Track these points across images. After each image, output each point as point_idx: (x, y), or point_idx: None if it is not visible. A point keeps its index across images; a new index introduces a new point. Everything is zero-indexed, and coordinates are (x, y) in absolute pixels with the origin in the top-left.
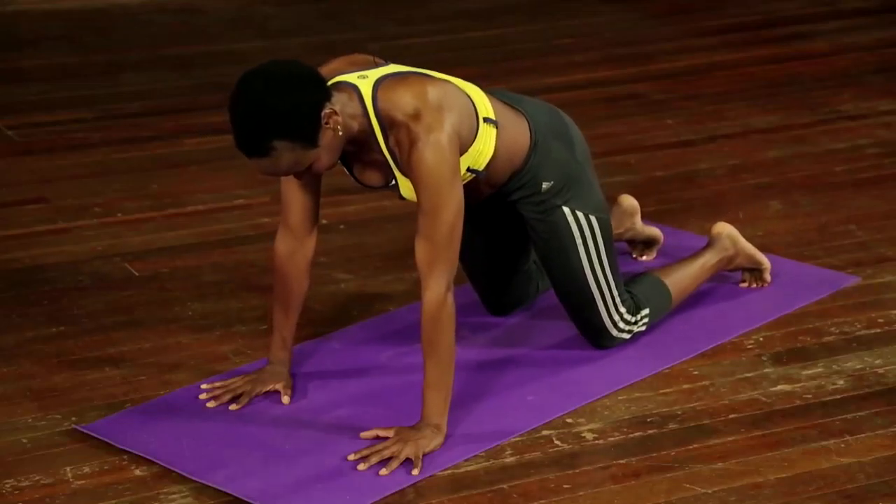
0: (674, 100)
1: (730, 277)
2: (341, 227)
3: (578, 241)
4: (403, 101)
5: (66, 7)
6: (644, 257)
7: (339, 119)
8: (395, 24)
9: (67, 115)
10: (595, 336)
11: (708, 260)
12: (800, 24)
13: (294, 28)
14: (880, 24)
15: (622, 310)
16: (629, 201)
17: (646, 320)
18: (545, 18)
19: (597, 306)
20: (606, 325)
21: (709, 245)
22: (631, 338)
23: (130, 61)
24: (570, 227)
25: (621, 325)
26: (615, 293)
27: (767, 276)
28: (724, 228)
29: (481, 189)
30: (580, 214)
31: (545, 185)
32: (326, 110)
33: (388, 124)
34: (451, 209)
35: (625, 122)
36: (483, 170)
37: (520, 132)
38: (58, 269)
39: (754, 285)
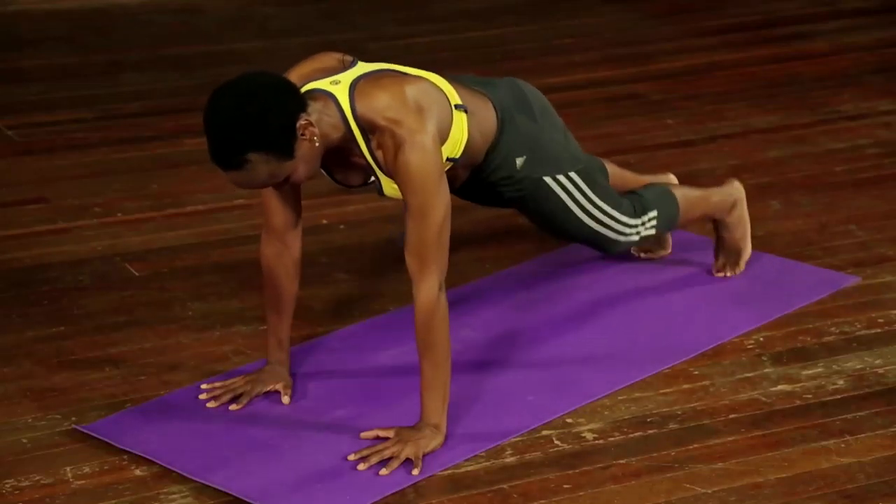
0: (674, 100)
1: (728, 276)
2: (341, 227)
3: (568, 201)
4: (383, 105)
5: (66, 7)
6: (643, 254)
7: (316, 130)
8: (395, 24)
9: (67, 115)
10: (604, 249)
11: (712, 194)
12: (800, 24)
13: (294, 28)
14: (880, 24)
15: (624, 219)
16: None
17: (654, 222)
18: (545, 18)
19: (601, 234)
20: (612, 238)
21: (717, 186)
22: (639, 238)
23: (130, 61)
24: (556, 194)
25: (627, 230)
26: (616, 215)
27: (743, 265)
28: (738, 186)
29: (459, 173)
30: (561, 178)
31: (519, 161)
32: (302, 121)
33: (369, 129)
34: (439, 210)
35: (625, 122)
36: (460, 157)
37: (487, 114)
38: (58, 269)
39: (728, 273)
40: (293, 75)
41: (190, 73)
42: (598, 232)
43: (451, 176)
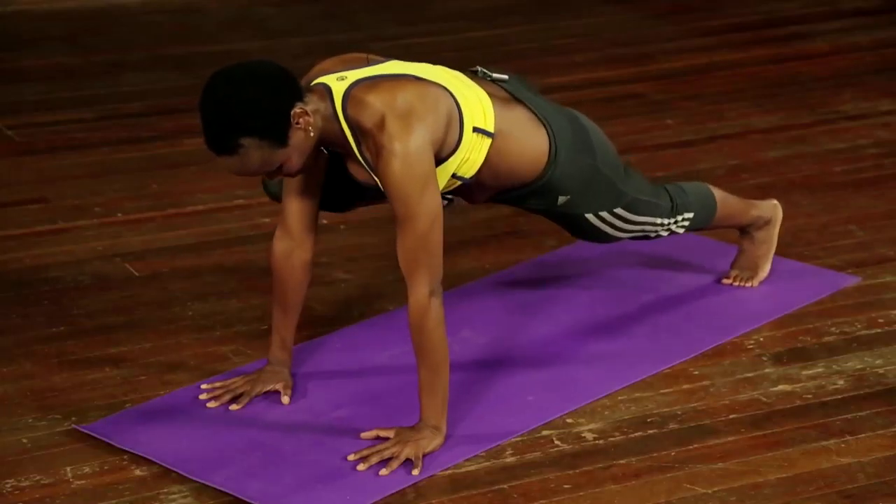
0: (674, 100)
1: (723, 276)
2: (341, 227)
3: (604, 227)
4: (371, 109)
5: (66, 7)
6: (733, 283)
7: (311, 119)
8: (395, 24)
9: (67, 115)
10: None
11: (752, 207)
12: (800, 24)
13: (294, 28)
14: (880, 24)
15: (658, 221)
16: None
17: (686, 223)
18: (545, 18)
19: (629, 238)
20: (640, 237)
21: (758, 201)
22: (667, 234)
23: (130, 61)
24: (592, 224)
25: (657, 229)
26: (651, 220)
27: (757, 283)
28: (776, 205)
29: (475, 194)
30: (604, 214)
31: (562, 199)
32: (296, 109)
33: (357, 131)
34: (423, 218)
35: (625, 122)
36: (471, 177)
37: (534, 144)
38: (58, 269)
39: (737, 283)
40: (315, 69)
41: (190, 73)
42: (626, 239)
43: (464, 193)
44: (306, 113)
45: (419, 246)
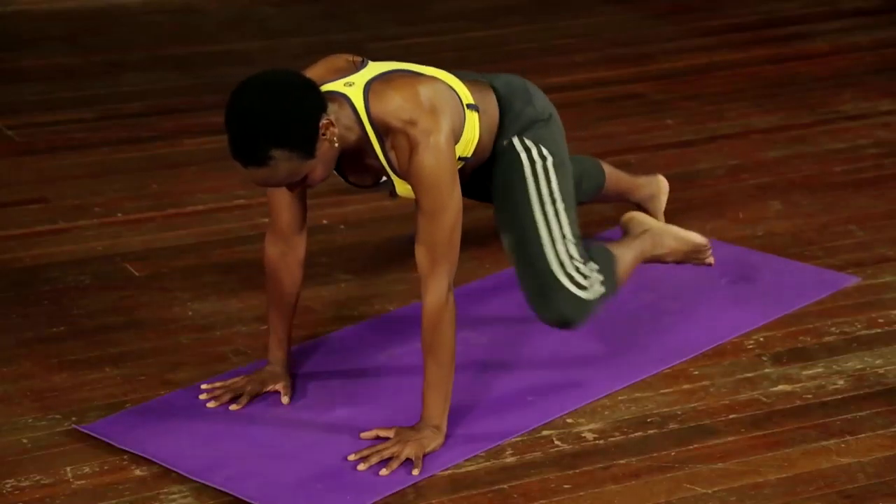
0: (674, 100)
1: (723, 275)
2: (341, 227)
3: (527, 169)
4: (397, 106)
5: (66, 7)
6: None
7: (336, 130)
8: (395, 24)
9: (67, 115)
10: (542, 288)
11: (641, 247)
12: (800, 24)
13: (294, 28)
14: (880, 24)
15: (571, 249)
16: (664, 183)
17: (600, 278)
18: (545, 18)
19: (540, 240)
20: (552, 265)
21: (627, 234)
22: (591, 300)
23: (130, 61)
24: (518, 156)
25: (569, 267)
26: (565, 229)
27: (710, 258)
28: (632, 215)
29: (467, 172)
30: (529, 143)
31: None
32: (324, 121)
33: (383, 131)
34: (451, 210)
35: (625, 122)
36: (471, 156)
37: (491, 105)
38: (58, 269)
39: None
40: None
41: (190, 73)
42: (538, 233)
43: (460, 174)
44: (332, 123)
45: (445, 239)
